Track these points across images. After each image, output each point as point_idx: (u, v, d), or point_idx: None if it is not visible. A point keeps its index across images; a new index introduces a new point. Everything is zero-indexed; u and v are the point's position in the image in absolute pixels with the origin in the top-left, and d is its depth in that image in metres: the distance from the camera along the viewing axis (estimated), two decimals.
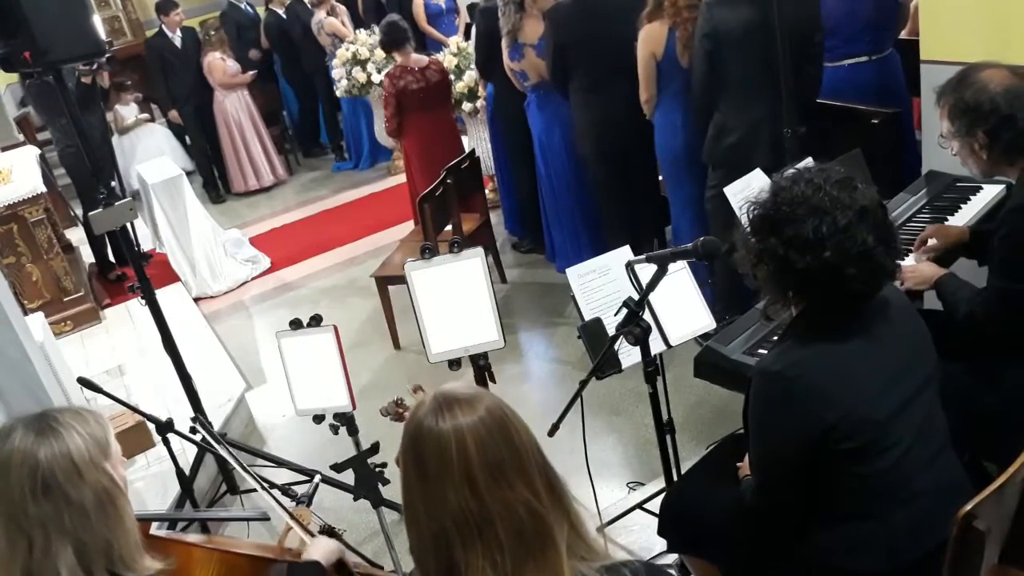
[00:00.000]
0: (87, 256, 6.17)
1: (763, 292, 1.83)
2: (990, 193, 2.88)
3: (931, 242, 2.56)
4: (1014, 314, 2.11)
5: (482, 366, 2.55)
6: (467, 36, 6.05)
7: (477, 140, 5.90)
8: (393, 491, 3.14)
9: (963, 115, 2.16)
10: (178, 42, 7.32)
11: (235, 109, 7.62)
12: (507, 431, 1.23)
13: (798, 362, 1.70)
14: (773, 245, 1.69)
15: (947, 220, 2.82)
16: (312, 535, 1.96)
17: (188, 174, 6.36)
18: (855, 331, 1.72)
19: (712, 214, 3.65)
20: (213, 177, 7.89)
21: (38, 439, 1.41)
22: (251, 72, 7.68)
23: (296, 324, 2.47)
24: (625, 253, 2.50)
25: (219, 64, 7.41)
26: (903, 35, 4.05)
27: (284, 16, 8.00)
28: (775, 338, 2.41)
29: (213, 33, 7.50)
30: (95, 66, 5.22)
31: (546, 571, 1.20)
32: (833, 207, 1.65)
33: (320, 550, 1.84)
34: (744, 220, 1.78)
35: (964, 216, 2.82)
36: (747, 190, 2.61)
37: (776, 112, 3.20)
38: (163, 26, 7.31)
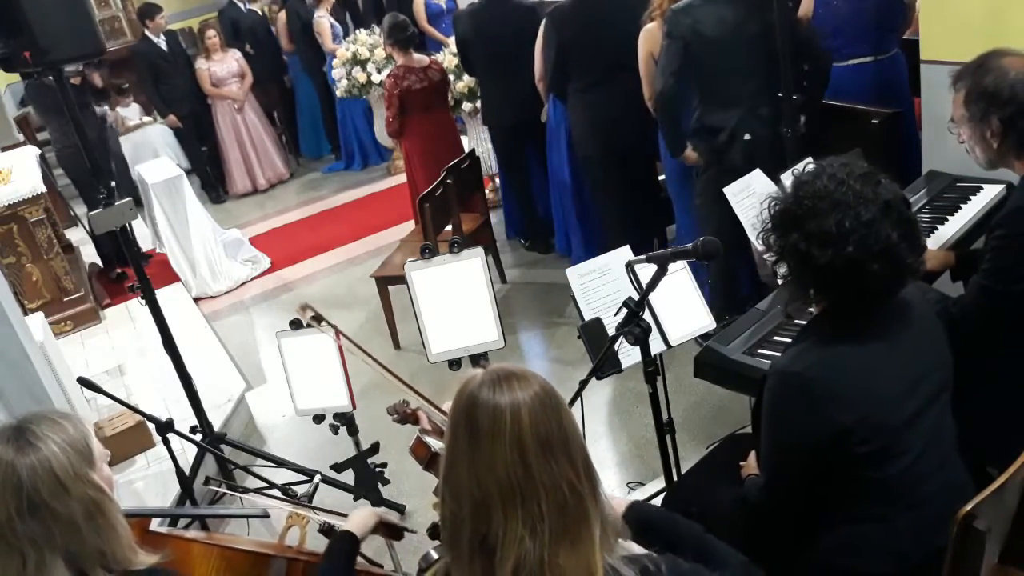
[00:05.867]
0: (87, 256, 6.17)
1: (784, 289, 1.80)
2: (990, 193, 2.88)
3: None
4: (990, 314, 2.08)
5: (482, 366, 2.55)
6: None
7: (477, 140, 5.90)
8: (393, 491, 3.18)
9: (980, 100, 2.12)
10: (164, 46, 7.28)
11: (231, 112, 7.63)
12: (558, 410, 1.26)
13: (818, 363, 1.67)
14: (795, 240, 1.66)
15: (947, 220, 2.82)
16: (343, 516, 1.98)
17: (187, 173, 6.36)
18: (876, 333, 1.69)
19: (703, 221, 3.66)
20: (212, 179, 7.88)
21: (18, 455, 1.38)
22: (230, 88, 7.54)
23: (296, 324, 2.48)
24: (625, 253, 2.50)
25: (203, 75, 7.44)
26: (906, 35, 4.05)
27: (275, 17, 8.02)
28: (776, 338, 2.42)
29: (208, 38, 7.44)
30: (81, 67, 5.20)
31: (579, 551, 1.22)
32: (856, 201, 1.61)
33: (353, 522, 1.86)
34: (764, 215, 1.74)
35: (964, 216, 2.82)
36: (747, 191, 2.61)
37: (755, 116, 3.27)
38: (147, 31, 7.26)
